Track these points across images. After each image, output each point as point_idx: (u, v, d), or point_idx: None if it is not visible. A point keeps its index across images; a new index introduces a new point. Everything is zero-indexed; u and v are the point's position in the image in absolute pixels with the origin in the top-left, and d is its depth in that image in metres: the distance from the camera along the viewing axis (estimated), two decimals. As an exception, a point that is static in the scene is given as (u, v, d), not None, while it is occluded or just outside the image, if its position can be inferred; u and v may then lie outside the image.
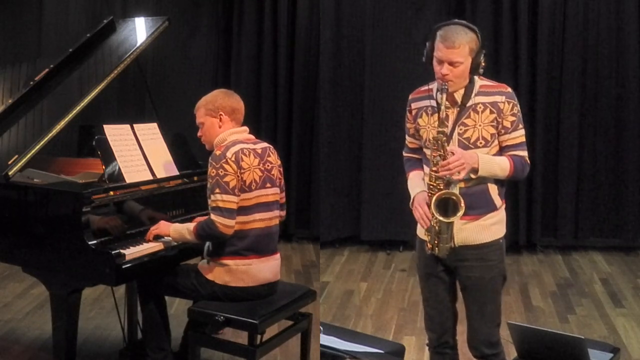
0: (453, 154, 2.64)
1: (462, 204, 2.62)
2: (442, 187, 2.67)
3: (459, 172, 2.63)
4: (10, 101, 3.66)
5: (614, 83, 6.03)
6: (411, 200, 2.83)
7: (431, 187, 2.70)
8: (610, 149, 6.10)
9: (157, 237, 3.22)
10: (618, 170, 6.10)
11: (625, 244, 6.11)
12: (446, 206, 2.67)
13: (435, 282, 2.86)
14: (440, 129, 2.67)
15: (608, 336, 4.23)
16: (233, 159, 3.06)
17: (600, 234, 6.19)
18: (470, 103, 2.70)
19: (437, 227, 2.70)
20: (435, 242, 2.73)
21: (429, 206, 2.70)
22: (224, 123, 3.20)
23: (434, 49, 2.66)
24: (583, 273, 5.55)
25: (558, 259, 5.94)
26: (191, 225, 3.13)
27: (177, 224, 3.21)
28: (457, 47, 2.61)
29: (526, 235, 6.11)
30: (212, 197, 3.06)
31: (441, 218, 2.66)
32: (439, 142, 2.66)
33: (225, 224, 3.04)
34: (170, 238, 3.22)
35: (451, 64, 2.62)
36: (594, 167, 6.14)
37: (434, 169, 2.67)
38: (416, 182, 2.85)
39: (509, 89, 2.73)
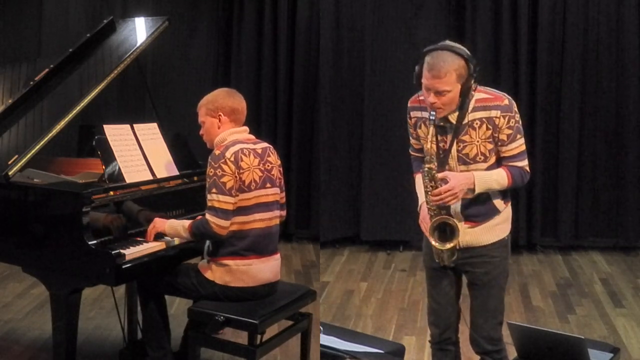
0: (446, 180, 2.66)
1: (459, 231, 2.67)
2: (438, 212, 2.71)
3: (452, 200, 2.66)
4: (10, 101, 3.65)
5: (614, 83, 6.03)
6: (419, 206, 2.85)
7: (429, 209, 2.74)
8: (610, 149, 6.10)
9: (157, 237, 3.22)
10: (618, 171, 6.09)
11: (625, 244, 6.11)
12: (444, 228, 2.71)
13: (441, 277, 2.88)
14: (428, 166, 2.68)
15: (608, 336, 4.23)
16: (232, 159, 3.06)
17: (600, 234, 6.19)
18: (466, 120, 2.69)
19: (438, 249, 2.76)
20: (441, 257, 2.78)
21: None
22: (223, 123, 3.21)
23: (421, 75, 2.64)
24: (583, 273, 5.55)
25: (558, 259, 5.94)
26: (187, 223, 3.13)
27: (173, 220, 3.22)
28: (442, 76, 2.57)
29: (526, 235, 6.11)
30: (209, 196, 3.06)
31: (438, 246, 2.72)
32: (429, 175, 2.68)
33: (219, 225, 3.04)
34: (168, 237, 3.22)
35: (438, 92, 2.60)
36: (594, 168, 6.14)
37: (430, 197, 2.70)
38: (422, 187, 2.86)
39: (506, 101, 2.68)
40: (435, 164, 2.68)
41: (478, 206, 2.75)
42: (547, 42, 6.00)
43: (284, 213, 3.37)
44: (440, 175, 2.67)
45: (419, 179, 2.89)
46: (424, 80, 2.63)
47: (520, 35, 5.93)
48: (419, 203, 2.85)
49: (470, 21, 5.99)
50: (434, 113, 2.64)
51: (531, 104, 6.01)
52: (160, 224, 3.21)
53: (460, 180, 2.65)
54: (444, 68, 2.57)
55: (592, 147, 6.13)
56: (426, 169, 2.69)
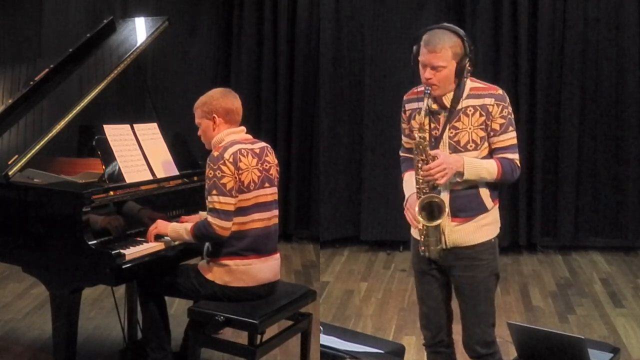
0: (436, 158, 2.65)
1: (447, 207, 2.65)
2: (427, 191, 2.69)
3: (441, 177, 2.64)
4: (10, 101, 3.65)
5: (614, 83, 6.03)
6: (405, 202, 2.85)
7: (418, 190, 2.72)
8: (610, 149, 6.10)
9: (157, 237, 3.22)
10: (618, 170, 6.09)
11: (625, 244, 6.11)
12: (432, 209, 2.69)
13: (429, 280, 2.87)
14: (420, 134, 2.67)
15: (608, 336, 4.23)
16: (231, 160, 3.06)
17: (600, 234, 6.19)
18: (460, 106, 2.70)
19: (424, 230, 2.72)
20: (427, 244, 2.75)
21: None
22: (218, 125, 3.20)
23: (419, 53, 2.67)
24: (583, 273, 5.55)
25: (558, 259, 5.94)
26: (189, 225, 3.13)
27: (175, 223, 3.21)
28: (438, 51, 2.61)
29: (526, 235, 6.11)
30: (209, 198, 3.06)
31: (425, 222, 2.69)
32: (420, 147, 2.67)
33: (222, 226, 3.04)
34: (165, 235, 3.23)
35: (433, 68, 2.62)
36: (594, 167, 6.14)
37: (420, 173, 2.69)
38: (409, 183, 2.86)
39: (500, 91, 2.72)
40: (427, 135, 2.68)
41: (465, 199, 2.72)
42: (547, 41, 6.00)
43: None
44: (432, 152, 2.66)
45: (408, 178, 2.88)
46: (420, 57, 2.65)
47: (521, 36, 5.93)
48: (405, 198, 2.84)
49: (470, 21, 5.99)
50: (429, 88, 2.65)
51: (531, 104, 6.00)
52: (162, 226, 3.21)
53: (449, 159, 2.65)
54: (440, 44, 2.61)
55: (592, 147, 6.13)
56: (418, 138, 2.67)
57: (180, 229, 3.15)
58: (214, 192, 3.04)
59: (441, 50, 2.60)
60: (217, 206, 3.03)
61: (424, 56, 2.63)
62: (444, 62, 2.62)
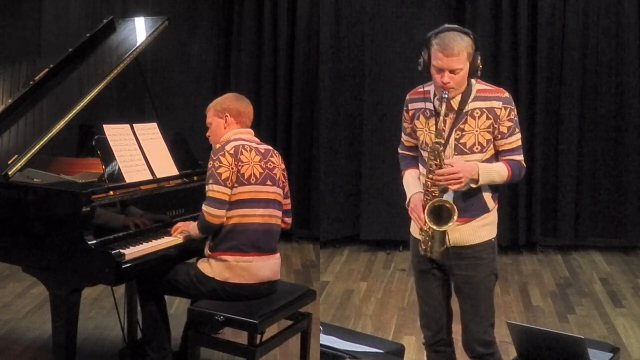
0: (452, 166, 2.64)
1: (456, 213, 2.64)
2: (437, 195, 2.69)
3: (457, 184, 2.64)
4: (10, 101, 3.65)
5: (614, 83, 6.03)
6: (407, 201, 2.84)
7: (427, 193, 2.72)
8: (610, 149, 6.10)
9: (164, 234, 3.26)
10: (618, 170, 6.09)
11: (625, 244, 6.11)
12: (440, 213, 2.68)
13: (430, 280, 2.87)
14: (437, 140, 2.67)
15: (608, 336, 4.23)
16: (232, 152, 3.12)
17: (600, 234, 6.19)
18: (467, 109, 2.70)
19: (430, 232, 2.72)
20: (430, 244, 2.74)
21: (424, 209, 2.71)
22: (229, 125, 3.27)
23: (431, 59, 2.66)
24: (583, 273, 5.55)
25: (558, 259, 5.94)
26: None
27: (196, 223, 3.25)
28: (457, 54, 2.60)
29: (526, 235, 6.11)
30: (207, 187, 3.13)
31: (434, 227, 2.68)
32: (436, 152, 2.67)
33: (211, 214, 3.08)
34: (187, 233, 3.27)
35: (452, 71, 2.62)
36: (594, 167, 6.14)
37: (430, 176, 2.69)
38: (412, 182, 2.86)
39: (507, 94, 2.73)
40: (444, 141, 2.68)
41: (469, 200, 2.73)
42: (547, 41, 6.00)
43: (289, 221, 3.39)
44: (447, 162, 2.66)
45: (408, 175, 2.89)
46: (436, 62, 2.63)
47: (521, 37, 5.92)
48: (408, 197, 2.84)
49: (470, 22, 5.99)
50: (447, 92, 2.64)
51: (531, 104, 6.00)
52: (186, 225, 3.29)
53: (466, 167, 2.65)
54: (457, 47, 2.60)
55: (592, 147, 6.13)
56: (435, 142, 2.66)
57: (194, 227, 3.22)
58: (211, 181, 3.11)
59: (459, 54, 2.59)
60: (210, 194, 3.10)
61: (442, 61, 2.61)
62: (462, 65, 2.61)
